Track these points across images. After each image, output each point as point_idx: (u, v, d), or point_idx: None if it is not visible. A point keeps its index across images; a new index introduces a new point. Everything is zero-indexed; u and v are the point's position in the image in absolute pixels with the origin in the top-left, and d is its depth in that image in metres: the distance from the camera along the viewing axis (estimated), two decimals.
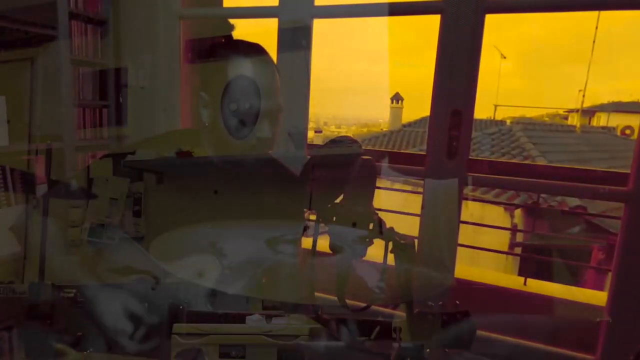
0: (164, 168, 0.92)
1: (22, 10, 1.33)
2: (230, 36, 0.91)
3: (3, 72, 1.38)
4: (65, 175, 1.32)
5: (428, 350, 0.72)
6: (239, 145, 0.80)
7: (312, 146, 1.25)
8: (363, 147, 1.03)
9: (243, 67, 0.81)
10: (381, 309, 0.84)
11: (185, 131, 1.11)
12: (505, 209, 3.68)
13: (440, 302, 0.73)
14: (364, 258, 0.81)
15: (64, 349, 0.73)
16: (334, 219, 0.84)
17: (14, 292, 0.82)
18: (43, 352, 0.74)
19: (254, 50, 0.85)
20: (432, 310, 0.73)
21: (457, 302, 0.75)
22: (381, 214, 0.86)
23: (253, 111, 0.79)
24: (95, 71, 1.46)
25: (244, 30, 1.35)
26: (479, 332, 0.72)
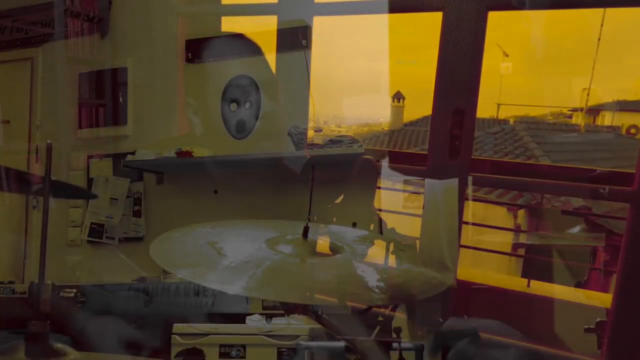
0: (164, 168, 0.92)
1: (19, 9, 1.33)
2: None
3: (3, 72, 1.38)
4: (63, 175, 1.33)
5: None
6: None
7: (312, 145, 1.25)
8: (364, 147, 1.01)
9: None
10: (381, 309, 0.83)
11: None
12: (508, 209, 3.65)
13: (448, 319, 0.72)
14: (365, 259, 0.80)
15: (63, 349, 0.73)
16: (334, 219, 0.83)
17: (13, 292, 0.82)
18: (43, 351, 0.74)
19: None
20: (438, 329, 0.72)
21: (465, 317, 0.73)
22: (382, 214, 0.85)
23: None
24: (92, 69, 1.46)
25: (243, 28, 1.35)
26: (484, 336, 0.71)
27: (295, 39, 1.28)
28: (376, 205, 0.92)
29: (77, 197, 1.32)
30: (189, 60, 1.37)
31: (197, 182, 1.32)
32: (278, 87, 1.32)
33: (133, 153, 1.31)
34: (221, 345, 0.83)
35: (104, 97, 1.45)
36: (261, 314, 0.89)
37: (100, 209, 1.30)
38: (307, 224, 0.77)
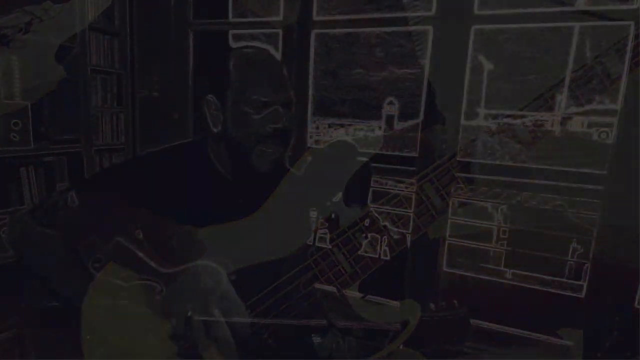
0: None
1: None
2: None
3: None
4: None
5: None
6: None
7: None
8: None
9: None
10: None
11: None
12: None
13: (443, 303, 0.78)
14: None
15: None
16: (332, 215, 0.87)
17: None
18: None
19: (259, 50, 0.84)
20: (432, 314, 0.76)
21: (455, 302, 0.78)
22: None
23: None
24: (112, 79, 1.50)
25: None
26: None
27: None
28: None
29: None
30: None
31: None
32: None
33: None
34: None
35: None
36: None
37: None
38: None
